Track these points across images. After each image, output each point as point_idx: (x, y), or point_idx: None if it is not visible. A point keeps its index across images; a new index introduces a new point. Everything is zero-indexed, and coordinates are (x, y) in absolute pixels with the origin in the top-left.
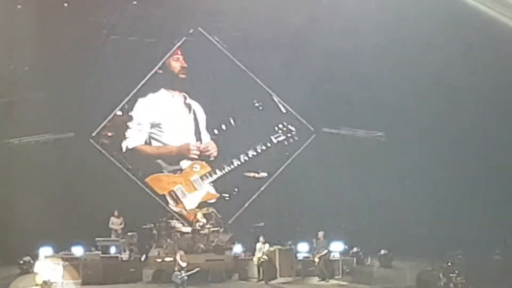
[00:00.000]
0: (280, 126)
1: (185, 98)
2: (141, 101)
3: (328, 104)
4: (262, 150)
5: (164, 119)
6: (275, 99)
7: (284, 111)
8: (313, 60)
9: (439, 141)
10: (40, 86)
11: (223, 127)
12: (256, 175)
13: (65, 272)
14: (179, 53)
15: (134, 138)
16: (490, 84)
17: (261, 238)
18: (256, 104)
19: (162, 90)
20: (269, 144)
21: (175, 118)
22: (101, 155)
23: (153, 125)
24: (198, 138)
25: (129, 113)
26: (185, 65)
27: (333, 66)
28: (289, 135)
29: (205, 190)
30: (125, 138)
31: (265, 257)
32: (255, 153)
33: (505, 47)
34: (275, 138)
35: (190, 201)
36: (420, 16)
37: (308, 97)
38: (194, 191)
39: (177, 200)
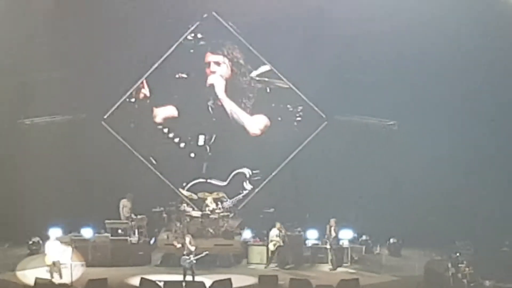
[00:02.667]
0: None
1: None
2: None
3: (341, 92)
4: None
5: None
6: (288, 85)
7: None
8: (326, 47)
9: (451, 131)
10: (53, 67)
11: (236, 110)
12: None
13: (74, 254)
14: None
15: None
16: (506, 72)
17: (277, 224)
18: (268, 90)
19: None
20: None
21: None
22: (112, 137)
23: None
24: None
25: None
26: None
27: (346, 53)
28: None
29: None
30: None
31: (281, 242)
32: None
33: None
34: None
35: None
36: (436, 2)
37: (320, 84)
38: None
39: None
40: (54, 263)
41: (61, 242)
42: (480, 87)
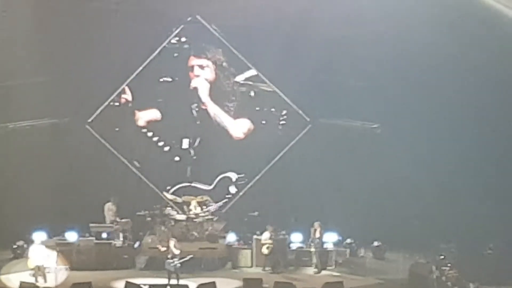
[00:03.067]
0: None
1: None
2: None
3: (325, 95)
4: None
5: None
6: (272, 88)
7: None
8: (310, 51)
9: (434, 134)
10: (37, 70)
11: (220, 114)
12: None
13: (59, 257)
14: None
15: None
16: (489, 76)
17: (268, 227)
18: (252, 94)
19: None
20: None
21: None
22: (97, 141)
23: None
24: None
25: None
26: None
27: (330, 56)
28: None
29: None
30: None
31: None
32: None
33: (507, 38)
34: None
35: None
36: (420, 6)
37: (304, 87)
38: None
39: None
40: (38, 267)
41: (46, 246)
42: (463, 90)
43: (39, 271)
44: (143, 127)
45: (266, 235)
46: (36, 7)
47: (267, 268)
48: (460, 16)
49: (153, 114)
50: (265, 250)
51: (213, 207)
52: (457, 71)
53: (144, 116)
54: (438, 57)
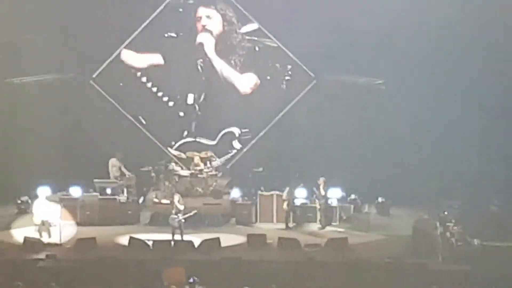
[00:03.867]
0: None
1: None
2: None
3: (330, 51)
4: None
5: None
6: (277, 44)
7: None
8: (316, 6)
9: (439, 90)
10: (41, 26)
11: (226, 68)
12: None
13: (63, 213)
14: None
15: None
16: (497, 36)
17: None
18: (257, 49)
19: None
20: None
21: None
22: (101, 97)
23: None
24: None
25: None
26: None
27: (336, 12)
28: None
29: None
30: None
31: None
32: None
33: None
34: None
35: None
36: None
37: (309, 43)
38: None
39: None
40: (43, 222)
41: (50, 201)
42: (469, 47)
43: (44, 226)
44: (147, 80)
45: (286, 192)
46: None
47: (290, 225)
48: None
49: (156, 58)
50: (285, 207)
51: (216, 162)
52: (465, 29)
53: (145, 60)
54: (445, 14)
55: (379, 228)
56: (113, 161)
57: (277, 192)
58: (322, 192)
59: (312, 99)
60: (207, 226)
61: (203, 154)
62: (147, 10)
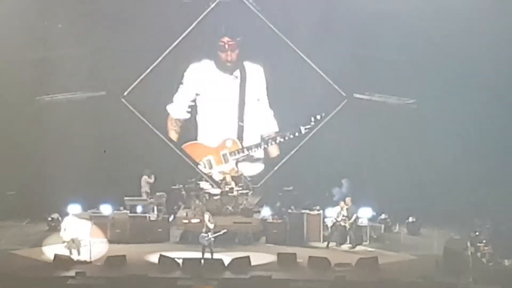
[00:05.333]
0: None
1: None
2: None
3: (361, 70)
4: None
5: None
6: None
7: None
8: (347, 24)
9: (471, 110)
10: (73, 43)
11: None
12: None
13: (93, 230)
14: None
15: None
16: None
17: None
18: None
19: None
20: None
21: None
22: (132, 115)
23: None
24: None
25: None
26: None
27: (366, 30)
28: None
29: (231, 165)
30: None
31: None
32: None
33: None
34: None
35: (215, 172)
36: None
37: (340, 62)
38: (220, 164)
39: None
40: (73, 240)
41: (80, 219)
42: (503, 66)
43: (74, 243)
44: None
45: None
46: None
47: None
48: None
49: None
50: (329, 224)
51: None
52: (498, 49)
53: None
54: (478, 33)
55: (409, 247)
56: (145, 178)
57: (308, 211)
58: (345, 213)
59: (343, 118)
60: (237, 245)
61: (233, 173)
62: (178, 27)
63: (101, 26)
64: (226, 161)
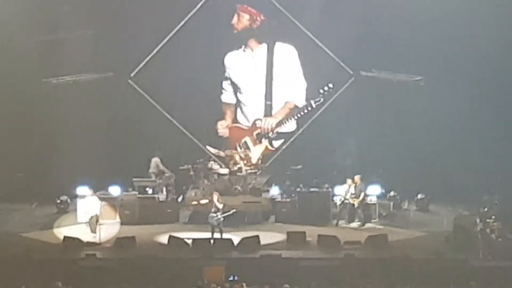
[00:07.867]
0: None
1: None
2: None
3: (368, 47)
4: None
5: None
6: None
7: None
8: (353, 2)
9: (478, 86)
10: (79, 25)
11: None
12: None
13: (103, 212)
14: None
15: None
16: None
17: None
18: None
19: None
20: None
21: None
22: (140, 96)
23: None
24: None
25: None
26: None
27: (373, 7)
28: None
29: (264, 144)
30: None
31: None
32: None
33: None
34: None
35: (254, 154)
36: None
37: (347, 40)
38: (257, 145)
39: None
40: (91, 218)
41: (91, 200)
42: (511, 42)
43: (96, 221)
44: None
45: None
46: None
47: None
48: None
49: None
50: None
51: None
52: (507, 26)
53: None
54: (486, 8)
55: (418, 224)
56: (156, 160)
57: (316, 190)
58: (353, 190)
59: (350, 96)
60: (246, 224)
61: (241, 152)
62: (185, 8)
63: (108, 7)
64: (260, 140)
